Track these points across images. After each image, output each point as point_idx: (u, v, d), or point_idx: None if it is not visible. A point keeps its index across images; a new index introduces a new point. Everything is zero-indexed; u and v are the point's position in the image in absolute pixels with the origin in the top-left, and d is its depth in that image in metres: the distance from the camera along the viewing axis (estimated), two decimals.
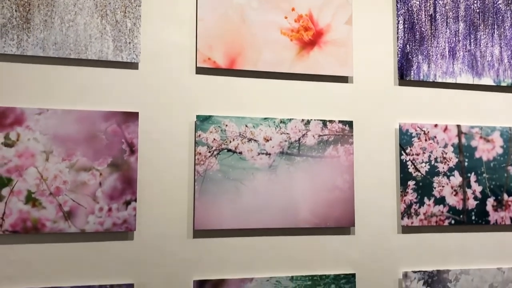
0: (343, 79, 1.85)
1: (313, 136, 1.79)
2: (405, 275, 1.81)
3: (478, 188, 1.92)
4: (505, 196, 1.94)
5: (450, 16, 1.95)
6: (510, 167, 1.95)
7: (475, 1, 1.99)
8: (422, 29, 1.92)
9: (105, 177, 1.59)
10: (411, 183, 1.85)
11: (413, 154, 1.87)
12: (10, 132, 1.54)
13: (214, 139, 1.70)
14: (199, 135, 1.69)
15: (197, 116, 1.69)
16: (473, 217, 1.90)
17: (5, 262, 1.52)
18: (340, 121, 1.81)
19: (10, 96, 1.56)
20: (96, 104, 1.63)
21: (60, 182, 1.56)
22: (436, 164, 1.89)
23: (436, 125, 1.91)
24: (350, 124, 1.82)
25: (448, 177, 1.89)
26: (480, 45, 1.97)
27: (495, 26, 1.99)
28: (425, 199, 1.86)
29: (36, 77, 1.59)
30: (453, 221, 1.88)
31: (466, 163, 1.92)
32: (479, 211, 1.91)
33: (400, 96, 1.90)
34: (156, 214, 1.64)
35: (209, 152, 1.69)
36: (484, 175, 1.93)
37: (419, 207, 1.85)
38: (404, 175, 1.85)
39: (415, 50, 1.91)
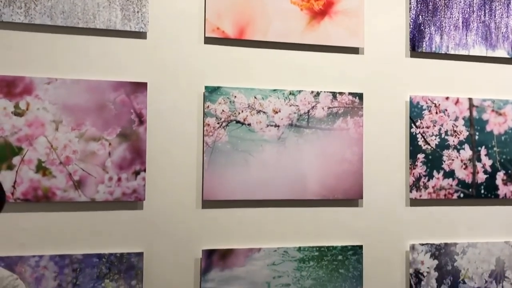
0: (354, 50, 1.82)
1: (323, 108, 1.77)
2: (412, 247, 1.82)
3: (488, 162, 1.90)
4: None
5: None
6: None
7: None
8: None
9: (114, 147, 1.60)
10: (420, 156, 1.84)
11: (423, 127, 1.85)
12: (19, 101, 1.54)
13: (223, 110, 1.69)
14: (208, 106, 1.68)
15: (206, 87, 1.68)
16: (482, 191, 1.89)
17: (17, 230, 1.54)
18: (350, 93, 1.79)
19: (18, 65, 1.56)
20: (104, 74, 1.62)
21: (70, 152, 1.57)
22: (446, 137, 1.87)
23: (447, 98, 1.88)
24: (360, 96, 1.80)
25: (458, 151, 1.88)
26: (495, 16, 1.93)
27: None
28: (434, 172, 1.85)
29: (44, 46, 1.58)
30: (461, 195, 1.87)
31: (476, 137, 1.90)
32: (488, 185, 1.90)
33: (412, 68, 1.87)
34: (165, 184, 1.65)
35: (218, 123, 1.69)
36: (495, 148, 1.91)
37: (428, 180, 1.84)
38: (414, 148, 1.84)
39: (427, 21, 1.87)
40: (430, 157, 1.85)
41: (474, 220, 1.90)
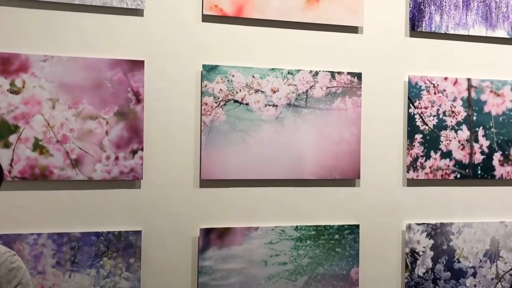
0: (353, 29, 1.81)
1: (321, 88, 1.76)
2: (409, 227, 1.83)
3: (485, 143, 1.91)
4: None
5: None
6: None
7: None
8: None
9: (111, 125, 1.59)
10: (418, 136, 1.84)
11: (421, 107, 1.85)
12: (15, 79, 1.53)
13: (221, 89, 1.68)
14: (205, 85, 1.67)
15: (203, 66, 1.67)
16: (479, 172, 1.90)
17: (14, 208, 1.54)
18: (348, 73, 1.78)
19: (13, 42, 1.54)
20: (101, 51, 1.60)
21: (66, 130, 1.56)
22: (444, 117, 1.87)
23: (446, 78, 1.88)
24: (359, 76, 1.79)
25: (455, 131, 1.88)
26: None
27: None
28: (432, 153, 1.85)
29: (39, 23, 1.56)
30: (458, 175, 1.88)
31: (474, 117, 1.90)
32: (485, 166, 1.91)
33: (411, 47, 1.86)
34: (163, 163, 1.65)
35: (216, 102, 1.68)
36: (492, 129, 1.91)
37: (425, 160, 1.85)
38: (412, 129, 1.84)
39: (427, 0, 1.85)
40: (427, 137, 1.85)
41: (470, 200, 1.91)
